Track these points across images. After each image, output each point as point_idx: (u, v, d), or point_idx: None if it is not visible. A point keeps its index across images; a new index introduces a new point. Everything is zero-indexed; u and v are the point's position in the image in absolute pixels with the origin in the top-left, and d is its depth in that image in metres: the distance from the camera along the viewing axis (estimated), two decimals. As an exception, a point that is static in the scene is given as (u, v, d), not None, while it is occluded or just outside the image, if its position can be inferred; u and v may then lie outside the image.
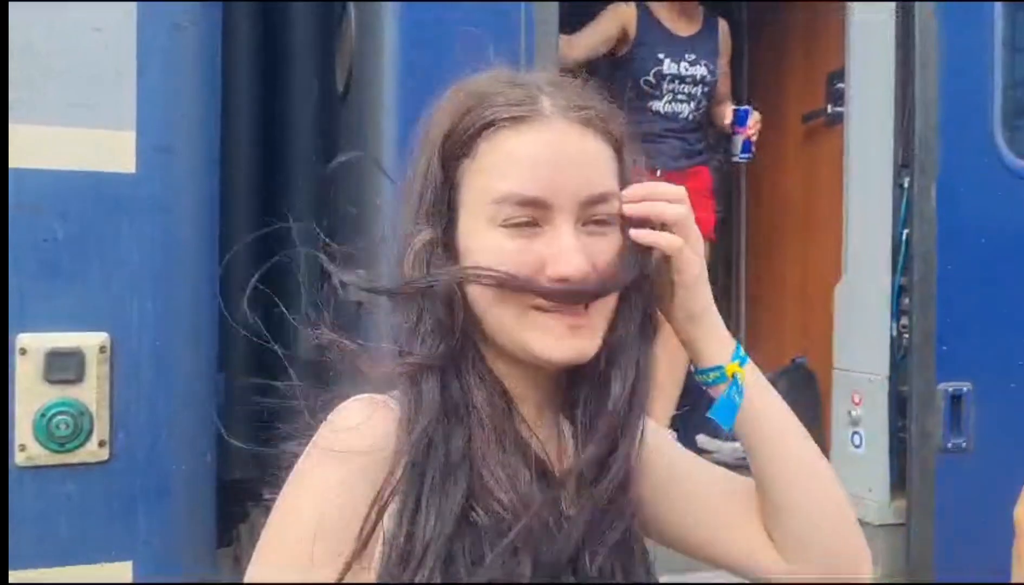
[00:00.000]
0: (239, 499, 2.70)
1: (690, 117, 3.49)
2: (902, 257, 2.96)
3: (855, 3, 3.11)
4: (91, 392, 1.98)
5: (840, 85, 3.29)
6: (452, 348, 0.97)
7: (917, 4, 2.79)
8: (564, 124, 0.96)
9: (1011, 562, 2.64)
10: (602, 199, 0.96)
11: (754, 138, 3.54)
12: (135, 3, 2.06)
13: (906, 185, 2.92)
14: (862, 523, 3.06)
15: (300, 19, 2.66)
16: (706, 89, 3.51)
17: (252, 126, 2.54)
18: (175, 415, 2.06)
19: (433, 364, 0.96)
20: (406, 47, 2.33)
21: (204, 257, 2.16)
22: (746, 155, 3.58)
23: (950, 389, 2.81)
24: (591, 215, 0.96)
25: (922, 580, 2.80)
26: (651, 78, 3.42)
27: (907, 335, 2.90)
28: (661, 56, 3.43)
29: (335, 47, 2.72)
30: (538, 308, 0.94)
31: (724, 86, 3.66)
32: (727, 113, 3.56)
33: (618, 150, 1.01)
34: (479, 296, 0.96)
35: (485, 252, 0.95)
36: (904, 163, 2.96)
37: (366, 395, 0.98)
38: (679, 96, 3.46)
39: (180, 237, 2.10)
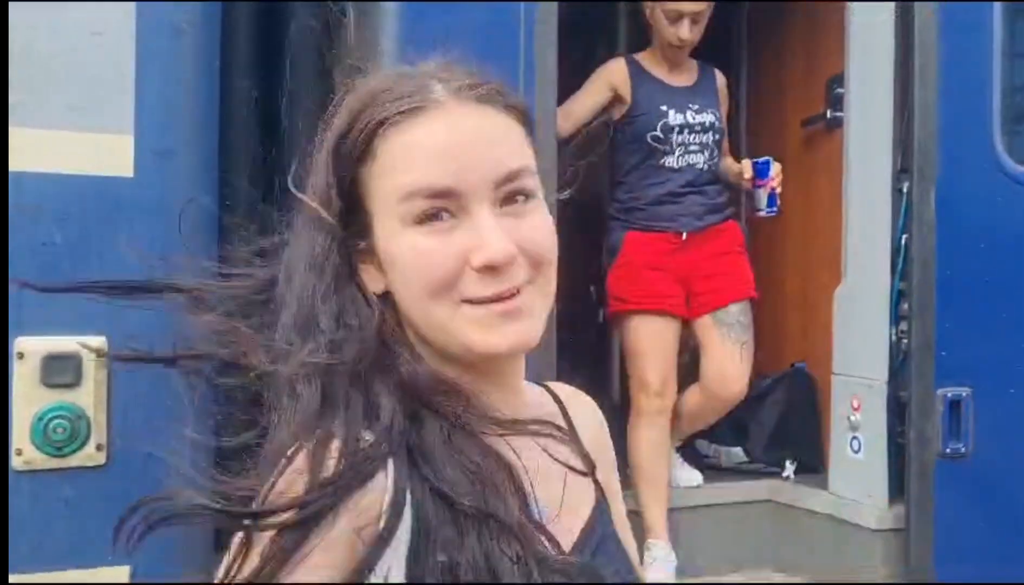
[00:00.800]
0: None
1: (706, 167, 3.29)
2: (901, 262, 2.96)
3: (855, 7, 3.11)
4: (88, 396, 1.96)
5: (839, 90, 3.29)
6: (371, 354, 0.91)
7: (916, 8, 2.79)
8: (460, 107, 0.92)
9: (1010, 567, 2.63)
10: (515, 175, 0.92)
11: (779, 190, 3.26)
12: (134, 6, 2.06)
13: (905, 190, 2.92)
14: (862, 528, 3.07)
15: (299, 21, 2.65)
16: (716, 137, 3.31)
17: (251, 129, 2.53)
18: (173, 419, 2.05)
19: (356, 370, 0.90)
20: (405, 49, 2.33)
21: (204, 262, 2.16)
22: (772, 209, 3.30)
23: (949, 394, 2.81)
24: (507, 193, 0.91)
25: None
26: (658, 133, 3.21)
27: (906, 340, 2.90)
28: (664, 108, 3.24)
29: (335, 49, 2.71)
30: (468, 301, 0.90)
31: (725, 141, 3.47)
32: (745, 167, 3.31)
33: (524, 122, 0.97)
34: (414, 296, 0.92)
35: (405, 255, 0.91)
36: (903, 168, 2.96)
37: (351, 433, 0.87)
38: (691, 147, 3.25)
39: (179, 242, 2.09)
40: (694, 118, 3.26)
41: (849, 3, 3.13)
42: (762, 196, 3.29)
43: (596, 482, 1.07)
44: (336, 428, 0.87)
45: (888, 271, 2.98)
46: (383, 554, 0.83)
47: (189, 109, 2.13)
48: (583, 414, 1.13)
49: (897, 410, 2.96)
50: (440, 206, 0.90)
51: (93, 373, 1.98)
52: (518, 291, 0.91)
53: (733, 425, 3.53)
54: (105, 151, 2.03)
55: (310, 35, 2.66)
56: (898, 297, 2.98)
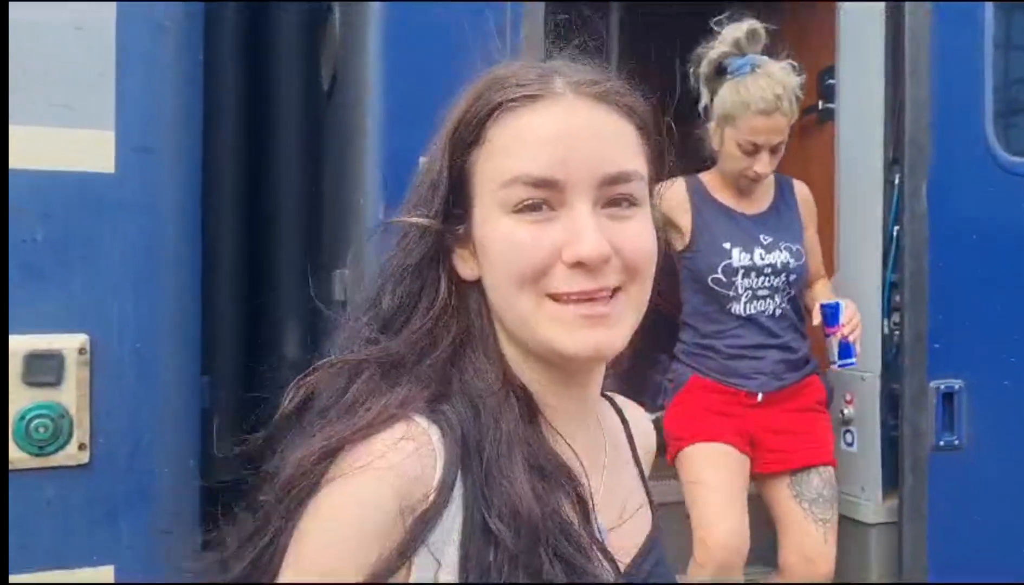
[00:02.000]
0: (226, 502, 2.68)
1: (780, 313, 2.74)
2: (893, 254, 2.94)
3: (846, 3, 3.09)
4: (71, 395, 1.95)
5: (831, 81, 3.28)
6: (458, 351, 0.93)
7: (908, 8, 2.78)
8: (577, 100, 0.91)
9: (1004, 559, 2.61)
10: (622, 178, 0.90)
11: (854, 338, 2.68)
12: (116, 3, 2.04)
13: (897, 182, 2.91)
14: (856, 522, 3.05)
15: (285, 18, 2.64)
16: (792, 276, 2.75)
17: (236, 126, 2.52)
18: (157, 418, 2.04)
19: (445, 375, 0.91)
20: (390, 47, 2.32)
21: (186, 259, 2.15)
22: (848, 360, 2.70)
23: (942, 387, 2.80)
24: (611, 195, 0.89)
25: (915, 579, 2.78)
26: (720, 275, 2.70)
27: (899, 333, 2.88)
28: (727, 245, 2.70)
29: (320, 47, 2.70)
30: (553, 297, 0.88)
31: (813, 263, 2.88)
32: (814, 313, 2.75)
33: (641, 128, 0.95)
34: (500, 284, 0.91)
35: (497, 242, 0.90)
36: (895, 159, 2.95)
37: (405, 420, 0.87)
38: (759, 292, 2.72)
39: (161, 238, 2.08)
40: (763, 259, 2.72)
41: (839, 2, 3.12)
42: (833, 345, 2.71)
43: (650, 498, 1.06)
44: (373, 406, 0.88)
45: (880, 263, 2.96)
46: (429, 534, 0.81)
47: (171, 106, 2.12)
48: (642, 432, 1.12)
49: (891, 403, 2.95)
50: (541, 196, 0.88)
51: (75, 372, 1.96)
52: (611, 295, 0.89)
53: (727, 420, 3.51)
54: (86, 148, 2.02)
55: (295, 32, 2.65)
56: (890, 289, 2.97)
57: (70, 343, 1.95)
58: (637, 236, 0.91)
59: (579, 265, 0.87)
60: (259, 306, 2.52)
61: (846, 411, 3.03)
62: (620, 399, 1.12)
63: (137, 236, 2.04)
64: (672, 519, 3.10)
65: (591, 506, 0.90)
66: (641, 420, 1.13)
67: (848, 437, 3.04)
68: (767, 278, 2.72)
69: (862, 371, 2.98)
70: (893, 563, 2.87)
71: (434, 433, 0.86)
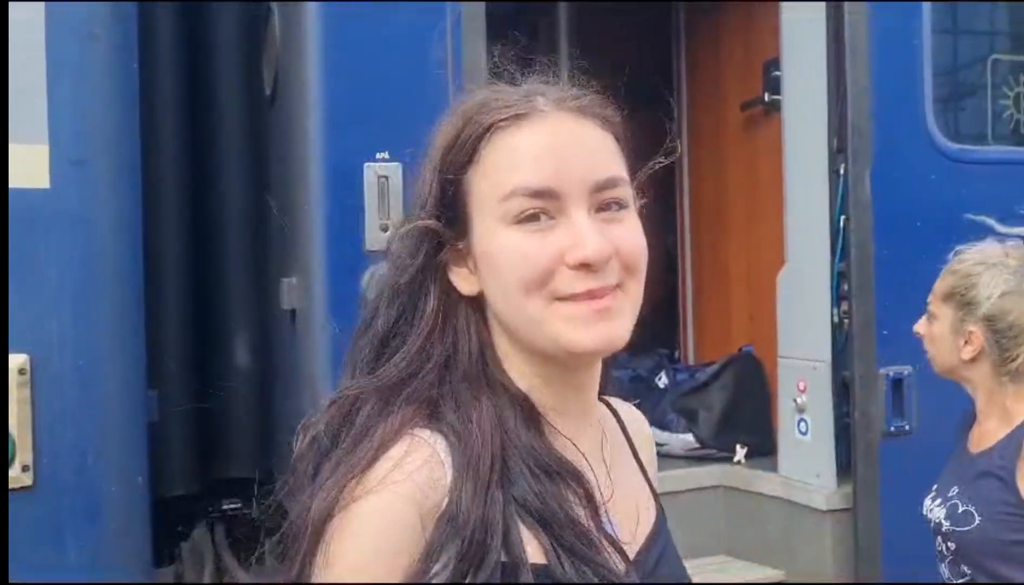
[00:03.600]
0: (180, 517, 2.65)
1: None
2: (840, 243, 2.97)
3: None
4: (11, 416, 1.91)
5: (777, 73, 3.30)
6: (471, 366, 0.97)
7: (847, -5, 2.80)
8: (561, 115, 0.97)
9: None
10: (611, 184, 0.96)
11: None
12: (43, 9, 1.99)
13: (842, 171, 2.94)
14: (812, 509, 3.08)
15: (223, 22, 2.60)
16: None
17: (177, 133, 2.48)
18: (103, 436, 2.00)
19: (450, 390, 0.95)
20: (331, 48, 2.29)
21: (128, 271, 2.11)
22: None
23: (891, 373, 2.83)
24: (603, 200, 0.95)
25: (870, 564, 2.82)
26: None
27: (848, 321, 2.91)
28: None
29: (261, 49, 2.66)
30: (562, 298, 0.93)
31: None
32: None
33: (617, 137, 1.01)
34: (508, 292, 0.95)
35: (502, 253, 0.94)
36: (840, 149, 2.97)
37: (407, 436, 0.91)
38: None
39: (101, 251, 2.04)
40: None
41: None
42: None
43: (655, 495, 1.11)
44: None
45: (828, 253, 2.99)
46: (453, 538, 0.86)
47: (106, 116, 2.08)
48: (638, 430, 1.17)
49: (842, 390, 2.98)
50: (539, 206, 0.94)
51: (16, 393, 1.92)
52: (613, 290, 0.95)
53: (683, 412, 3.54)
54: (19, 162, 1.97)
55: (234, 36, 2.61)
56: (839, 278, 3.00)
57: (9, 363, 1.91)
58: (631, 236, 0.97)
59: (583, 266, 0.92)
60: (206, 316, 2.48)
61: (799, 400, 3.06)
62: (613, 400, 1.17)
63: (75, 251, 2.00)
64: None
65: (599, 500, 0.95)
66: (635, 418, 1.18)
67: (802, 426, 3.07)
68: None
69: (814, 360, 3.02)
70: (848, 548, 2.91)
71: (439, 442, 0.91)
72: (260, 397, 2.59)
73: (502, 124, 0.96)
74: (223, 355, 2.53)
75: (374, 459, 0.88)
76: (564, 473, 0.93)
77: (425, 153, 1.01)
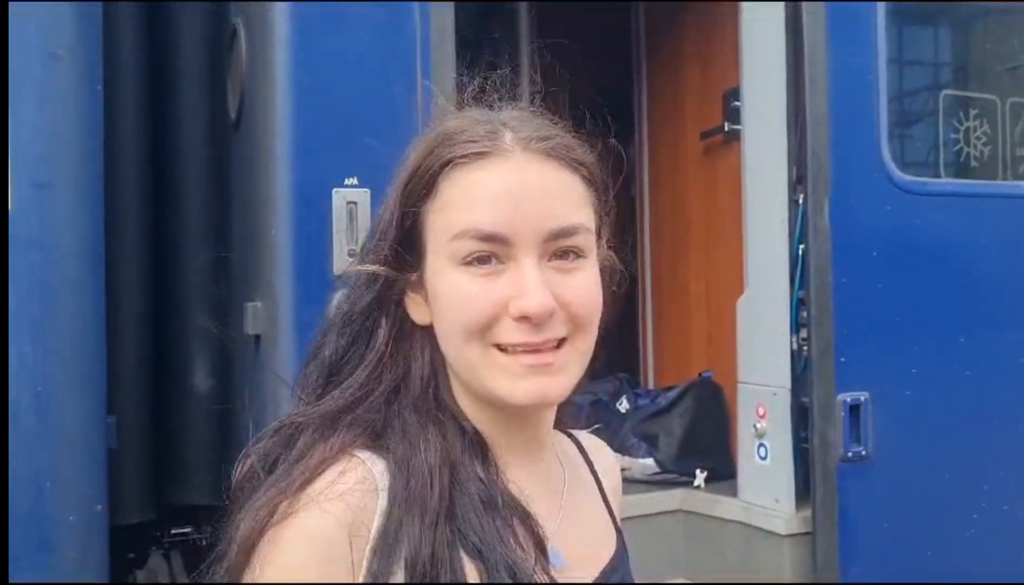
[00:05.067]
0: (137, 544, 2.59)
1: None
2: (800, 271, 3.02)
3: (748, 22, 3.17)
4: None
5: (736, 103, 3.35)
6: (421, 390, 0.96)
7: (806, 26, 2.86)
8: (525, 156, 0.94)
9: (911, 565, 2.67)
10: (568, 232, 0.93)
11: None
12: (7, 30, 1.96)
13: (801, 200, 2.99)
14: (771, 533, 3.11)
15: (188, 44, 2.58)
16: None
17: (140, 157, 2.45)
18: (60, 464, 1.96)
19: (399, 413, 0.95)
20: (297, 69, 2.28)
21: (89, 295, 2.07)
22: None
23: (848, 399, 2.88)
24: (557, 249, 0.93)
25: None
26: None
27: (807, 347, 2.96)
28: None
29: (226, 72, 2.64)
30: (499, 347, 0.91)
31: None
32: None
33: (588, 179, 0.98)
34: (449, 334, 0.94)
35: (447, 293, 0.93)
36: (799, 179, 3.03)
37: (345, 457, 0.91)
38: None
39: (62, 276, 2.00)
40: None
41: (742, 21, 3.19)
42: None
43: (617, 528, 1.10)
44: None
45: (788, 280, 3.04)
46: (379, 562, 0.85)
47: (70, 138, 2.05)
48: (603, 462, 1.15)
49: (801, 416, 3.02)
50: (488, 250, 0.91)
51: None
52: (558, 345, 0.92)
53: (643, 436, 3.56)
54: (-21, 184, 1.93)
55: (200, 58, 2.59)
56: (798, 305, 3.04)
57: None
58: (582, 288, 0.94)
59: (525, 318, 0.90)
60: (167, 341, 2.45)
61: (759, 425, 3.10)
62: (582, 434, 1.16)
63: (36, 275, 1.96)
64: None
65: (543, 536, 0.93)
66: (602, 453, 1.17)
67: (762, 451, 3.10)
68: None
69: (773, 386, 3.06)
70: (807, 572, 2.94)
71: (376, 464, 0.90)
72: (220, 423, 2.55)
73: (462, 161, 0.94)
74: (184, 380, 2.49)
75: (308, 480, 0.88)
76: (510, 509, 0.92)
77: (394, 178, 1.00)
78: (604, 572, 1.03)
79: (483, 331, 0.91)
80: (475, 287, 0.91)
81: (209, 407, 2.49)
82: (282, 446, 0.94)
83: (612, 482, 1.16)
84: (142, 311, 2.40)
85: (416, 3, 2.32)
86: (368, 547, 0.85)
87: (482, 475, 0.93)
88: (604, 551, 1.06)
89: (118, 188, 2.33)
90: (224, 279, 2.51)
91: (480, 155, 0.94)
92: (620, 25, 4.29)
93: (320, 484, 0.87)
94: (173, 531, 2.69)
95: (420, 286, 0.97)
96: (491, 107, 1.02)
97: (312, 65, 2.28)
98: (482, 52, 3.91)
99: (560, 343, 0.92)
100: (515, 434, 0.98)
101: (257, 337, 2.28)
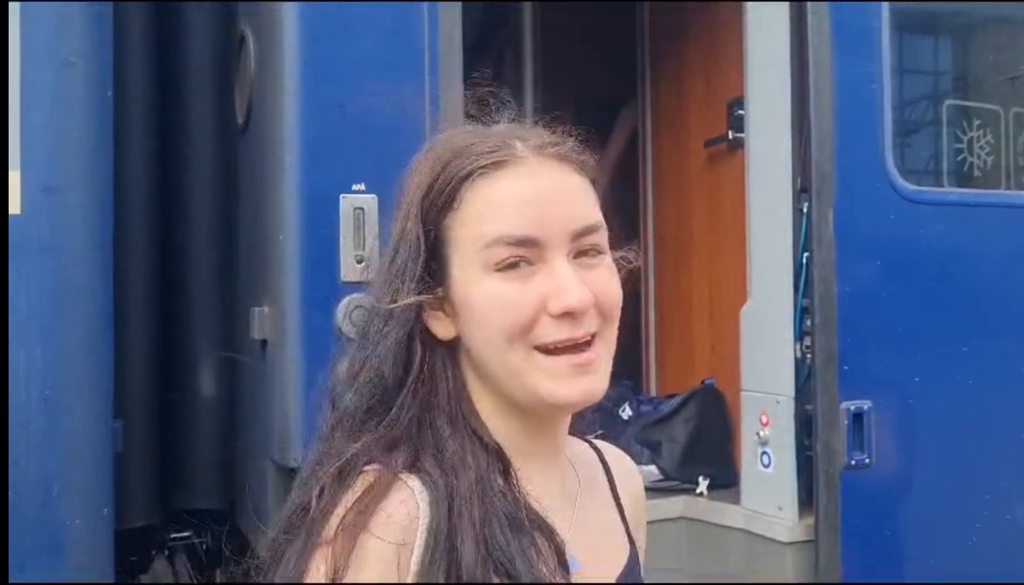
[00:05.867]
0: (141, 547, 2.60)
1: None
2: (803, 280, 3.03)
3: (752, 32, 3.18)
4: (-25, 447, 1.86)
5: (740, 112, 3.36)
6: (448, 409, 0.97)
7: (811, 35, 2.88)
8: (541, 162, 0.97)
9: (913, 573, 2.68)
10: (590, 230, 0.97)
11: None
12: (18, 38, 1.97)
13: (805, 209, 3.00)
14: (773, 541, 3.12)
15: (197, 50, 2.59)
16: None
17: (148, 162, 2.46)
18: (68, 467, 1.96)
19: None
20: (305, 75, 2.29)
21: (97, 300, 2.08)
22: None
23: (852, 407, 2.89)
24: (582, 247, 0.96)
25: (830, 594, 2.85)
26: None
27: (810, 356, 2.96)
28: None
29: (234, 78, 2.65)
30: (542, 349, 0.94)
31: None
32: None
33: (593, 180, 1.02)
34: (489, 341, 0.95)
35: (484, 301, 0.94)
36: (803, 188, 3.04)
37: (386, 473, 0.92)
38: None
39: (71, 280, 2.01)
40: None
41: (747, 32, 3.21)
42: None
43: (630, 536, 1.11)
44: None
45: (791, 289, 3.04)
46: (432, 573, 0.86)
47: (80, 143, 2.06)
48: (624, 473, 1.17)
49: (804, 424, 3.03)
50: (520, 254, 0.94)
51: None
52: (592, 339, 0.95)
53: (646, 443, 3.56)
54: (-10, 188, 1.94)
55: (208, 64, 2.60)
56: (802, 314, 3.05)
57: None
58: (608, 282, 0.98)
59: (566, 315, 0.93)
60: (174, 345, 2.45)
61: (762, 433, 3.10)
62: (601, 443, 1.17)
63: (45, 279, 1.97)
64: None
65: (562, 547, 0.94)
66: (622, 462, 1.19)
67: (765, 458, 3.11)
68: None
69: (777, 394, 3.06)
70: (809, 580, 2.95)
71: (415, 483, 0.91)
72: (227, 427, 2.56)
73: (482, 171, 0.96)
74: (190, 384, 2.50)
75: (365, 510, 0.88)
76: (533, 526, 0.93)
77: (399, 196, 1.01)
78: (619, 579, 1.04)
79: (524, 333, 0.93)
80: (513, 289, 0.93)
81: (215, 411, 2.50)
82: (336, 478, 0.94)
83: (632, 488, 1.17)
84: (149, 315, 2.41)
85: (424, 3, 2.33)
86: (415, 556, 0.87)
87: (506, 491, 0.94)
88: (617, 558, 1.07)
89: (127, 193, 2.35)
90: (231, 284, 2.52)
91: (498, 164, 0.96)
92: (625, 27, 4.30)
93: (378, 517, 0.88)
94: (175, 535, 2.70)
95: (442, 301, 0.98)
96: (486, 125, 1.04)
97: (320, 70, 2.29)
98: (487, 55, 3.93)
99: (592, 338, 0.95)
100: (538, 441, 1.00)
101: (264, 342, 2.29)
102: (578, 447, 1.12)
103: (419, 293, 0.97)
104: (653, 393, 4.14)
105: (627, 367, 4.17)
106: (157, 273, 2.47)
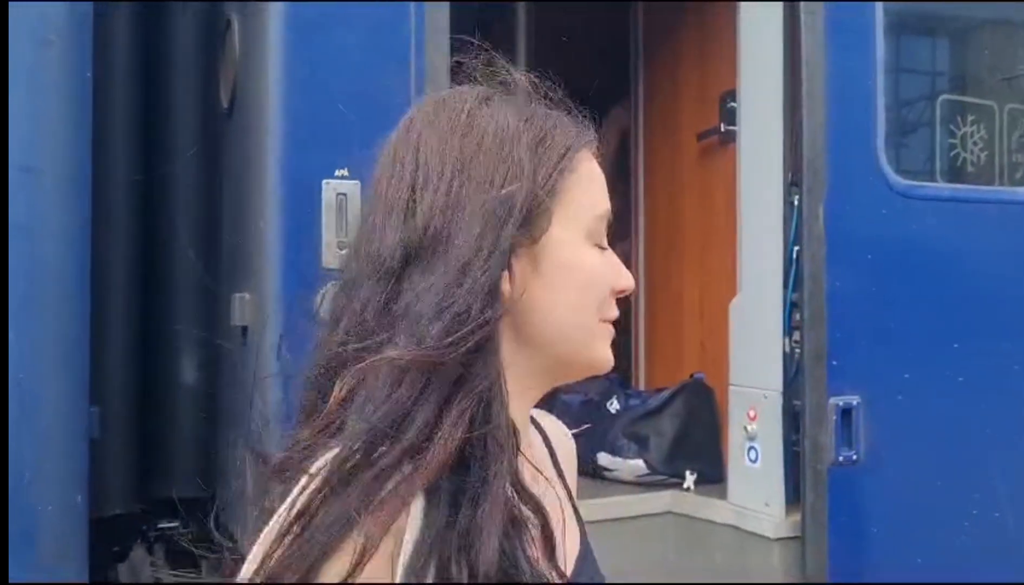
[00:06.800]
0: (119, 536, 2.57)
1: None
2: (793, 274, 3.01)
3: (745, 26, 3.16)
4: (-54, 432, 1.83)
5: (733, 104, 3.34)
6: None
7: (804, 29, 2.85)
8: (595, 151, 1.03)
9: (900, 570, 2.67)
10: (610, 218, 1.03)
11: None
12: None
13: (796, 204, 2.98)
14: (761, 537, 3.10)
15: (181, 32, 2.56)
16: None
17: (130, 144, 2.42)
18: (41, 454, 1.93)
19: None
20: (291, 60, 2.26)
21: (74, 283, 2.05)
22: None
23: (840, 403, 2.87)
24: (604, 233, 1.02)
25: (817, 591, 2.84)
26: None
27: (799, 351, 2.94)
28: None
29: (219, 61, 2.62)
30: (606, 320, 0.99)
31: None
32: None
33: None
34: (575, 304, 0.96)
35: (585, 268, 0.97)
36: (794, 182, 3.02)
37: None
38: None
39: (46, 263, 1.98)
40: None
41: (740, 24, 3.18)
42: None
43: (579, 515, 1.10)
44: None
45: (781, 283, 3.02)
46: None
47: (58, 123, 2.03)
48: (561, 443, 1.15)
49: (792, 419, 3.01)
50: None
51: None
52: None
53: (634, 437, 3.54)
54: (-35, 168, 1.90)
55: (193, 46, 2.57)
56: (791, 308, 3.03)
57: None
58: None
59: (622, 294, 1.00)
60: (153, 331, 2.42)
61: (750, 428, 3.08)
62: (539, 414, 1.12)
63: (19, 261, 1.93)
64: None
65: (554, 537, 0.90)
66: (559, 432, 1.15)
67: (752, 454, 3.09)
68: None
69: (765, 389, 3.04)
70: (796, 576, 2.93)
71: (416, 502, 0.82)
72: (206, 414, 2.53)
73: (587, 144, 1.00)
74: (169, 371, 2.46)
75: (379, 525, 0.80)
76: (533, 516, 0.89)
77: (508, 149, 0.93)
78: (577, 561, 1.02)
79: (603, 304, 0.99)
80: (603, 264, 0.98)
81: (194, 398, 2.47)
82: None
83: (570, 464, 1.14)
84: (129, 301, 2.38)
85: (412, 3, 2.30)
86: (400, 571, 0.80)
87: (515, 482, 0.88)
88: (573, 538, 1.04)
89: (107, 176, 2.31)
90: (212, 269, 2.49)
91: (588, 143, 1.01)
92: (618, 26, 4.28)
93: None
94: (161, 525, 2.66)
95: (525, 256, 0.92)
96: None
97: (305, 57, 2.26)
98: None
99: None
100: (527, 417, 1.02)
101: (244, 329, 2.26)
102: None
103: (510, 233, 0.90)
104: (641, 387, 4.12)
105: (616, 360, 4.14)
106: (138, 257, 2.43)
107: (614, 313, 1.00)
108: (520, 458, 0.90)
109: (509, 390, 0.89)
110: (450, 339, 0.85)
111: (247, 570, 0.83)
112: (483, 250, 0.88)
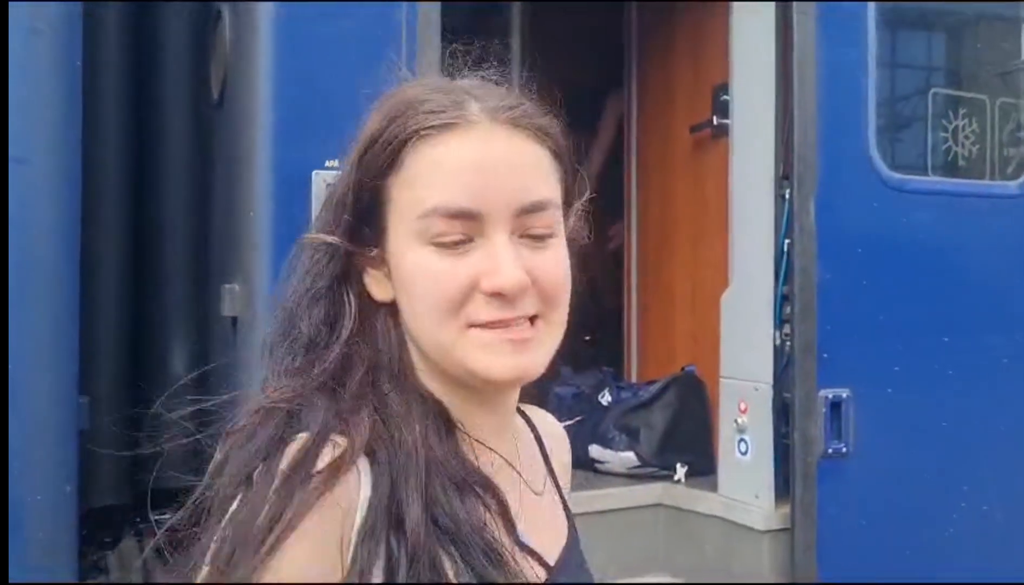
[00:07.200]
0: (109, 526, 2.57)
1: None
2: (784, 267, 3.01)
3: (738, 20, 3.16)
4: (-66, 421, 1.83)
5: (725, 98, 3.34)
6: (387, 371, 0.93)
7: (796, 24, 2.85)
8: (493, 128, 0.91)
9: (888, 561, 2.67)
10: (539, 207, 0.91)
11: None
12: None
13: (787, 197, 2.98)
14: (750, 529, 3.11)
15: (172, 23, 2.55)
16: None
17: (120, 134, 2.42)
18: (30, 443, 1.93)
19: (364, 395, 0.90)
20: (282, 52, 2.26)
21: (64, 275, 2.05)
22: None
23: (830, 396, 2.88)
24: (529, 225, 0.90)
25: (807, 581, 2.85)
26: None
27: (789, 343, 2.95)
28: None
29: (209, 52, 2.61)
30: (476, 325, 0.89)
31: None
32: None
33: (554, 150, 0.95)
34: (420, 314, 0.91)
35: (415, 273, 0.90)
36: (785, 175, 3.02)
37: (323, 433, 0.86)
38: None
39: (37, 254, 1.97)
40: None
41: (734, 19, 3.18)
42: None
43: (570, 514, 1.08)
44: (306, 432, 0.86)
45: (772, 276, 3.03)
46: (372, 550, 0.82)
47: (48, 114, 2.02)
48: (554, 439, 1.13)
49: (782, 412, 3.02)
50: (458, 228, 0.89)
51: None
52: (530, 321, 0.91)
53: (625, 429, 3.55)
54: (-47, 158, 1.90)
55: (184, 37, 2.56)
56: (782, 301, 3.03)
57: None
58: (553, 265, 0.92)
59: (498, 295, 0.88)
60: (143, 321, 2.42)
61: (740, 420, 3.09)
62: (531, 409, 1.12)
63: (9, 251, 1.93)
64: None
65: (513, 512, 0.91)
66: (554, 431, 1.14)
67: (742, 446, 3.10)
68: None
69: (755, 381, 3.05)
70: (785, 568, 2.94)
71: (357, 445, 0.86)
72: (196, 405, 2.53)
73: (428, 132, 0.90)
74: (159, 361, 2.46)
75: (304, 474, 0.83)
76: (476, 486, 0.90)
77: (351, 145, 0.95)
78: (561, 556, 1.01)
79: (456, 310, 0.89)
80: (445, 265, 0.89)
81: (184, 388, 2.46)
82: (270, 428, 0.89)
83: (562, 462, 1.14)
84: (119, 291, 2.38)
85: (404, 2, 2.30)
86: (354, 532, 0.82)
87: (449, 454, 0.90)
88: (559, 533, 1.04)
89: (98, 166, 2.31)
90: (202, 260, 2.49)
91: (446, 127, 0.90)
92: (613, 24, 4.27)
93: (314, 480, 0.82)
94: (157, 516, 2.66)
95: (381, 262, 0.94)
96: (452, 77, 0.98)
97: (295, 48, 2.26)
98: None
99: (533, 320, 0.91)
100: (481, 415, 0.96)
101: (234, 319, 2.26)
102: (517, 421, 1.08)
103: (345, 249, 0.93)
104: (633, 379, 4.12)
105: (607, 353, 4.16)
106: (128, 248, 2.43)
107: (489, 316, 0.89)
108: (466, 437, 0.93)
109: (424, 377, 0.94)
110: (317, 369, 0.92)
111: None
112: (325, 273, 0.94)
